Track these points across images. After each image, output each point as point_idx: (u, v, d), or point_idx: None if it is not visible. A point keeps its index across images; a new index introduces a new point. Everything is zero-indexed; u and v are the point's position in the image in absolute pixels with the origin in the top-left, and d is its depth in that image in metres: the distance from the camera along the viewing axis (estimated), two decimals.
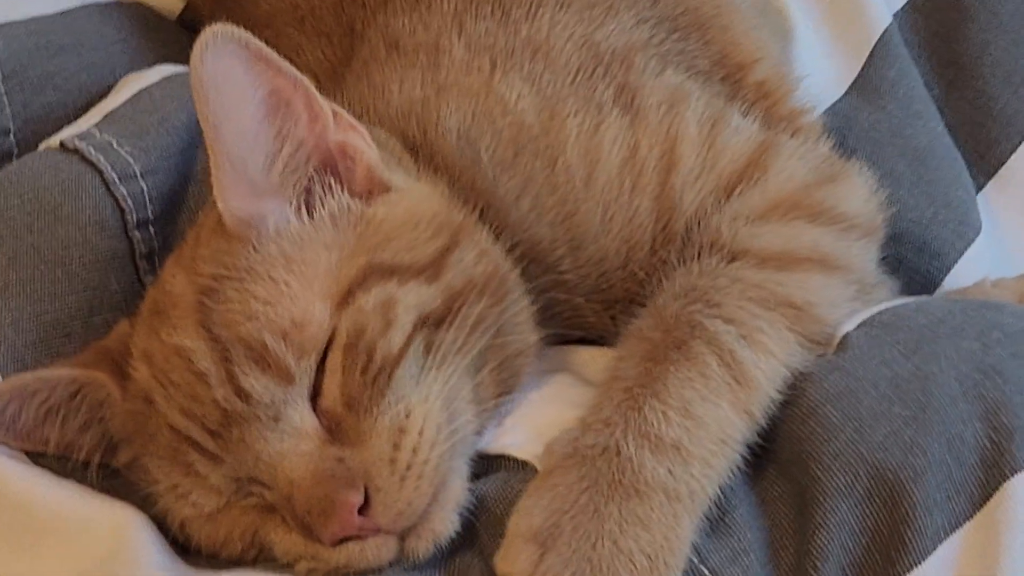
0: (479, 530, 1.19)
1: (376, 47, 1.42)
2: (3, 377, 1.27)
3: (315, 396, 1.16)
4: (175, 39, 1.69)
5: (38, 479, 1.24)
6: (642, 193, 1.30)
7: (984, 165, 1.57)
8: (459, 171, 1.31)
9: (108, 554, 1.19)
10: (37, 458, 1.28)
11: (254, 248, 1.19)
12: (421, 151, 1.33)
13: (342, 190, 1.24)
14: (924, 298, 1.34)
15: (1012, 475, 1.13)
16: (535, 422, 1.25)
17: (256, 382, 1.13)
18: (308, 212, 1.23)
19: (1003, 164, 1.56)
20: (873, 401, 1.18)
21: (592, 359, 1.32)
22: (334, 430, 1.16)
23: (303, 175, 1.23)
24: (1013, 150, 1.55)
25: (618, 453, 1.14)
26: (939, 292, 1.51)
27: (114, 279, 1.35)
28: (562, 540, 1.11)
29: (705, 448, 1.15)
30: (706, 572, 1.14)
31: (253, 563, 1.21)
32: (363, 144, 1.24)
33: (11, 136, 1.48)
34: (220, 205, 1.19)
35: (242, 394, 1.13)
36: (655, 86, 1.35)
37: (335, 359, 1.16)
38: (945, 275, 1.52)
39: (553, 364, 1.33)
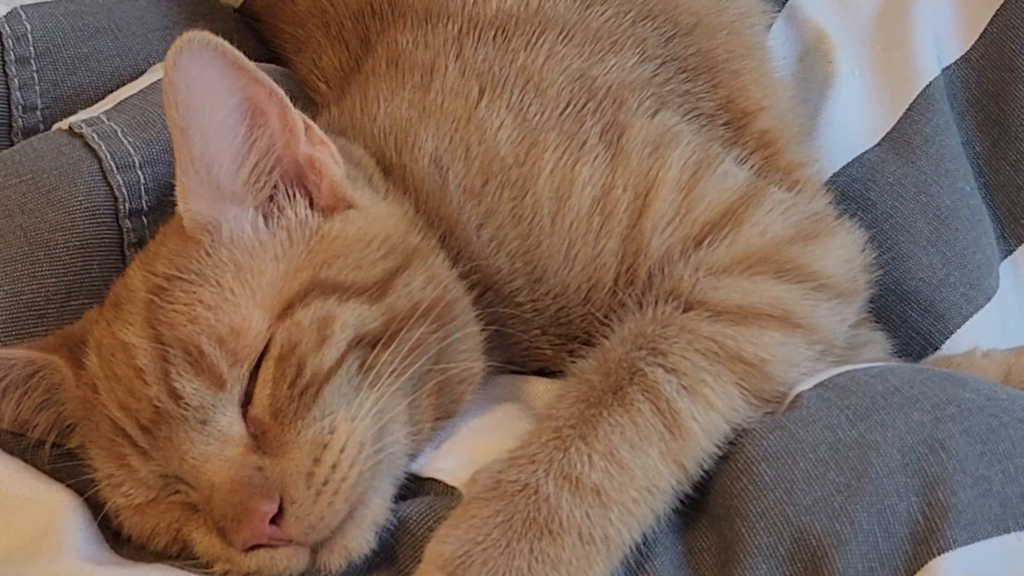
0: (398, 551, 1.21)
1: (379, 61, 1.43)
2: None
3: (246, 403, 1.18)
4: (228, 29, 1.67)
5: None
6: (609, 234, 1.31)
7: (1018, 229, 1.56)
8: (426, 194, 1.32)
9: (38, 534, 1.22)
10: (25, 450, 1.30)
11: (207, 252, 1.21)
12: (394, 171, 1.35)
13: (306, 203, 1.26)
14: (890, 364, 1.33)
15: (940, 554, 1.12)
16: (472, 449, 1.27)
17: (188, 384, 1.16)
18: (266, 222, 1.25)
19: None
20: (809, 464, 1.18)
21: (546, 391, 1.33)
22: (259, 439, 1.18)
23: (267, 184, 1.25)
24: None
25: (536, 492, 1.14)
26: (937, 355, 1.50)
27: (97, 266, 1.37)
28: (471, 571, 1.12)
29: (627, 495, 1.15)
30: None
31: (176, 558, 1.23)
32: (330, 160, 1.26)
33: (38, 112, 1.51)
34: (180, 207, 1.22)
35: (174, 395, 1.16)
36: (644, 127, 1.35)
37: (268, 369, 1.18)
38: (946, 339, 1.51)
39: (504, 392, 1.34)
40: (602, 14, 1.42)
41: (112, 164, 1.38)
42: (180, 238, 1.24)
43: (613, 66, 1.39)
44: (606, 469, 1.15)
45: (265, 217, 1.25)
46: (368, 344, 1.20)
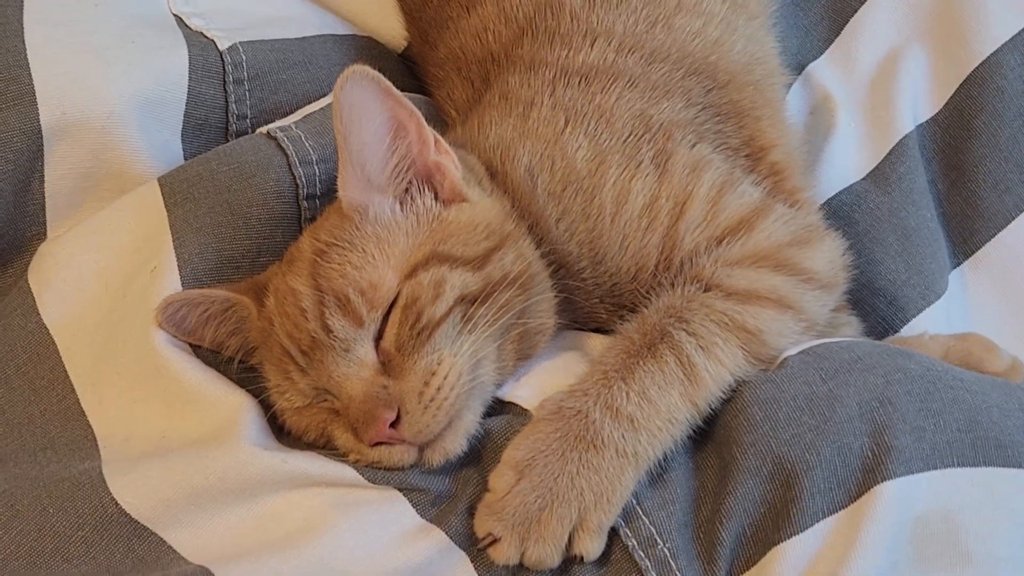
0: (483, 453, 1.29)
1: (494, 95, 1.50)
2: (183, 289, 1.37)
3: (378, 339, 1.27)
4: (392, 67, 1.77)
5: (191, 363, 1.35)
6: (654, 232, 1.37)
7: (965, 248, 1.60)
8: (520, 195, 1.39)
9: (223, 425, 1.31)
10: (196, 349, 1.38)
11: (356, 227, 1.31)
12: (498, 176, 1.42)
13: (432, 196, 1.35)
14: (857, 340, 1.39)
15: (882, 481, 1.19)
16: (542, 383, 1.34)
17: (337, 322, 1.26)
18: (401, 207, 1.33)
19: (979, 249, 1.59)
20: (789, 409, 1.25)
21: (600, 344, 1.40)
22: (386, 365, 1.27)
23: (404, 180, 1.33)
24: (988, 239, 1.58)
25: (586, 416, 1.23)
26: (895, 336, 1.56)
27: (280, 233, 1.44)
28: (534, 471, 1.21)
29: (653, 423, 1.24)
30: (640, 511, 1.23)
31: (321, 448, 1.32)
32: (452, 166, 1.34)
33: (247, 120, 1.57)
34: (340, 193, 1.32)
35: (327, 329, 1.26)
36: (685, 154, 1.41)
37: (396, 314, 1.27)
38: (904, 325, 1.56)
39: (569, 343, 1.42)
40: (660, 70, 1.48)
41: (296, 160, 1.45)
42: (338, 216, 1.33)
43: (665, 108, 1.44)
44: (639, 403, 1.24)
45: (401, 204, 1.33)
46: (469, 301, 1.28)
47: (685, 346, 1.28)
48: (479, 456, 1.30)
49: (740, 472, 1.23)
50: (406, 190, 1.35)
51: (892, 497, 1.19)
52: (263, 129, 1.52)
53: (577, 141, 1.41)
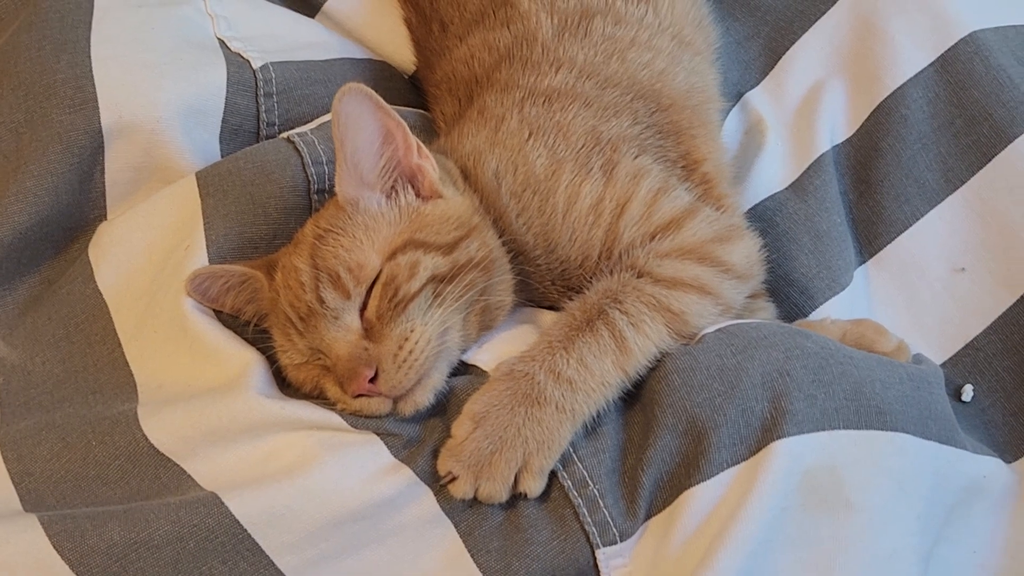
0: (448, 406, 1.30)
1: (473, 111, 1.50)
2: (210, 264, 1.38)
3: (363, 309, 1.28)
4: (400, 87, 1.78)
5: (212, 325, 1.36)
6: (598, 227, 1.37)
7: (870, 248, 1.58)
8: (488, 194, 1.39)
9: (235, 375, 1.32)
10: (218, 314, 1.39)
11: (349, 217, 1.31)
12: (471, 178, 1.41)
13: (414, 193, 1.35)
14: (764, 321, 1.39)
15: (778, 439, 1.20)
16: (500, 350, 1.34)
17: (329, 294, 1.27)
18: (387, 201, 1.34)
19: (881, 250, 1.57)
20: (703, 377, 1.25)
21: (550, 318, 1.40)
22: (368, 331, 1.28)
23: (390, 179, 1.34)
24: (889, 242, 1.57)
25: (532, 378, 1.24)
26: (803, 320, 1.54)
27: (294, 221, 1.43)
28: (488, 422, 1.22)
29: (588, 385, 1.24)
30: (575, 458, 1.24)
31: (315, 399, 1.32)
32: (431, 168, 1.34)
33: (275, 127, 1.57)
34: (337, 188, 1.32)
35: (320, 300, 1.27)
36: (628, 164, 1.41)
37: (377, 289, 1.27)
38: (812, 311, 1.54)
39: (526, 318, 1.42)
40: (612, 94, 1.47)
41: (310, 160, 1.45)
42: (335, 207, 1.33)
43: (614, 126, 1.44)
44: (577, 368, 1.24)
45: (387, 198, 1.33)
46: (439, 280, 1.29)
47: (618, 322, 1.27)
48: (445, 408, 1.30)
49: (660, 428, 1.24)
50: (392, 187, 1.35)
51: (785, 452, 1.20)
52: (284, 134, 1.52)
53: (537, 151, 1.41)
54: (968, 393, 1.49)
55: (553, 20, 1.57)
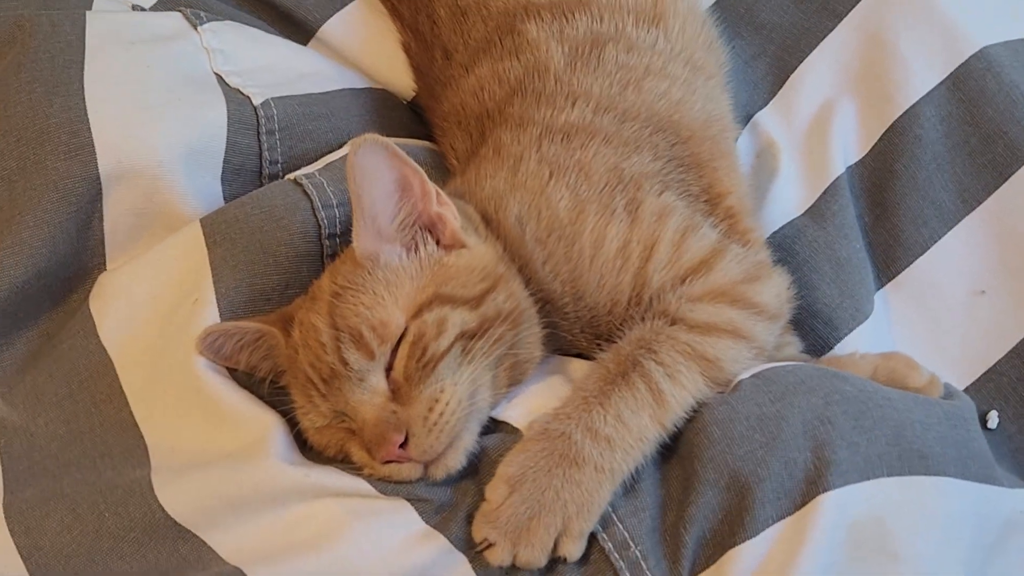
0: (480, 468, 1.21)
1: (488, 149, 1.42)
2: (220, 319, 1.30)
3: (388, 369, 1.19)
4: (401, 115, 1.70)
5: (227, 385, 1.27)
6: (626, 272, 1.29)
7: (888, 272, 1.52)
8: (511, 240, 1.31)
9: (254, 440, 1.23)
10: (233, 372, 1.30)
11: (369, 273, 1.22)
12: (492, 223, 1.33)
13: (435, 243, 1.26)
14: (800, 364, 1.31)
15: (823, 492, 1.13)
16: (531, 405, 1.26)
17: (352, 355, 1.18)
18: (407, 254, 1.25)
19: (899, 273, 1.51)
20: (743, 428, 1.18)
21: (580, 368, 1.31)
22: (395, 393, 1.19)
23: (410, 230, 1.25)
24: (907, 265, 1.51)
25: (569, 437, 1.16)
26: (830, 354, 1.48)
27: (306, 268, 1.35)
28: (525, 486, 1.14)
29: (626, 442, 1.17)
30: (615, 518, 1.16)
31: (340, 463, 1.24)
32: (451, 216, 1.25)
33: (278, 166, 1.48)
34: (354, 243, 1.23)
35: (343, 361, 1.18)
36: (653, 202, 1.33)
37: (404, 349, 1.19)
38: (837, 343, 1.48)
39: (555, 368, 1.33)
40: (631, 128, 1.40)
41: (319, 204, 1.37)
42: (352, 262, 1.24)
43: (636, 162, 1.36)
44: (615, 425, 1.16)
45: (407, 251, 1.25)
46: (468, 336, 1.21)
47: (654, 374, 1.20)
48: (476, 469, 1.22)
49: (701, 483, 1.16)
50: (412, 239, 1.26)
51: (832, 506, 1.13)
52: (291, 176, 1.43)
53: (560, 192, 1.33)
54: (994, 420, 1.44)
55: (564, 49, 1.48)
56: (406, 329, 1.20)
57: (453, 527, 1.17)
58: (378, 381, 1.19)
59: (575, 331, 1.34)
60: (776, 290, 1.35)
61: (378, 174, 1.21)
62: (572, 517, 1.13)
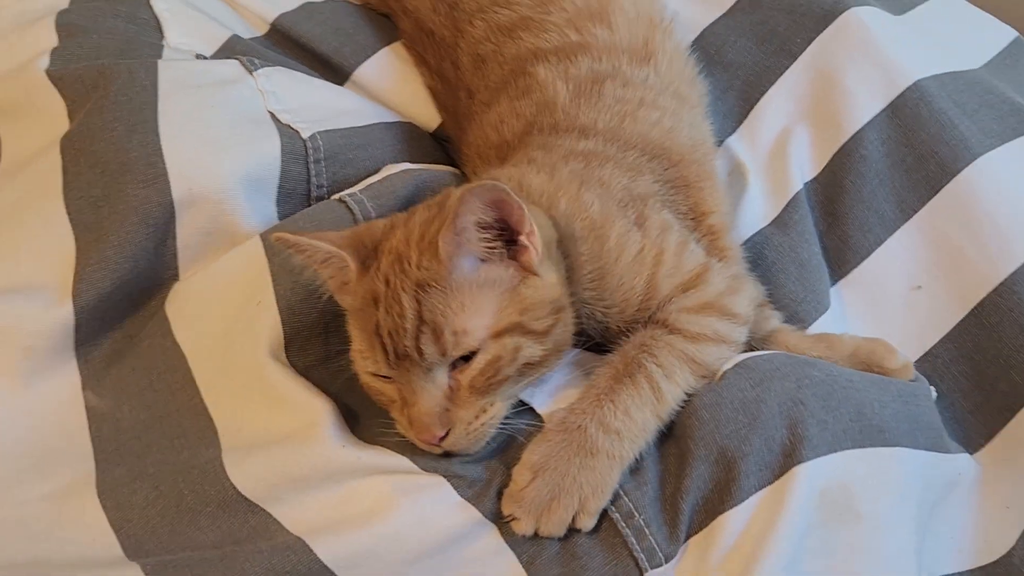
0: (508, 450, 1.18)
1: (522, 159, 1.38)
2: (280, 318, 1.26)
3: (452, 369, 1.14)
4: (427, 145, 1.65)
5: (286, 374, 1.22)
6: (640, 277, 1.25)
7: (840, 272, 1.49)
8: (564, 235, 1.25)
9: (309, 423, 1.18)
10: (291, 360, 1.26)
11: (451, 275, 1.13)
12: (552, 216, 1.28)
13: (515, 268, 1.17)
14: (775, 352, 1.28)
15: (798, 464, 1.12)
16: (554, 394, 1.23)
17: (428, 348, 1.11)
18: (490, 272, 1.16)
19: (849, 272, 1.49)
20: (728, 411, 1.15)
21: (594, 360, 1.27)
22: (453, 392, 1.14)
23: (498, 254, 1.16)
24: (855, 267, 1.48)
25: (584, 430, 1.13)
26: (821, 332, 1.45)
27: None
28: (546, 472, 1.11)
29: (632, 433, 1.14)
30: (621, 492, 1.13)
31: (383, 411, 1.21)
32: (534, 250, 1.17)
33: (324, 189, 1.43)
34: (440, 247, 1.13)
35: (419, 350, 1.11)
36: (656, 217, 1.30)
37: (480, 361, 1.13)
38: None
39: (571, 358, 1.28)
40: (632, 155, 1.36)
41: (361, 217, 1.33)
42: (435, 257, 1.14)
43: (640, 183, 1.33)
44: (623, 420, 1.13)
45: (482, 263, 1.16)
46: (529, 364, 1.16)
47: (655, 375, 1.17)
48: (505, 451, 1.18)
49: (694, 459, 1.13)
50: (498, 260, 1.17)
51: (805, 475, 1.11)
52: (336, 196, 1.39)
53: (591, 199, 1.28)
54: (932, 394, 1.38)
55: (568, 87, 1.44)
56: (482, 346, 1.13)
57: (485, 501, 1.13)
58: (443, 377, 1.14)
59: (592, 326, 1.30)
60: (748, 299, 1.32)
61: (481, 210, 1.14)
62: (588, 497, 1.10)
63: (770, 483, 1.11)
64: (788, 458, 1.12)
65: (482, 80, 1.55)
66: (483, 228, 1.14)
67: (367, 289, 1.17)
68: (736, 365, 1.21)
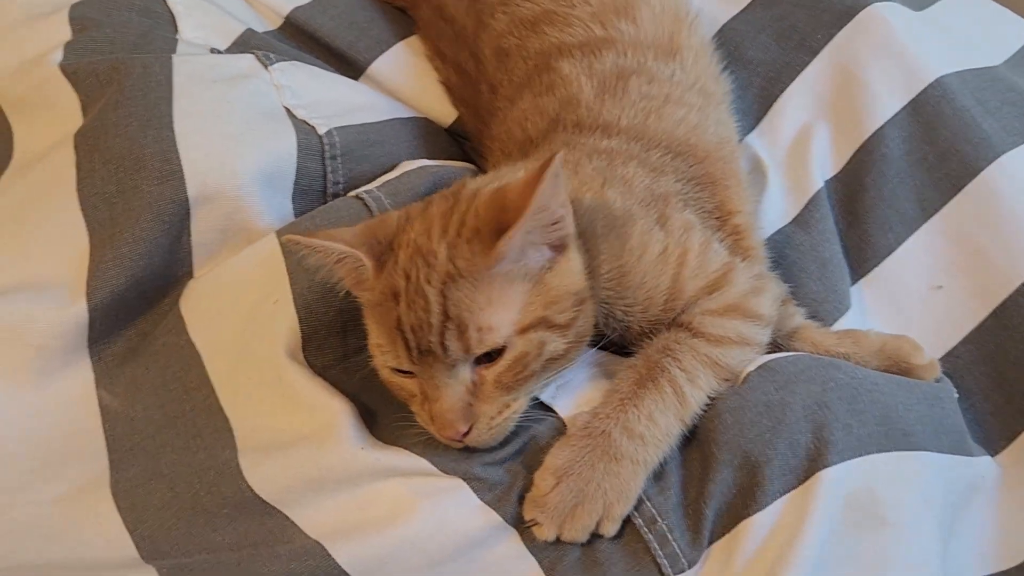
0: (528, 453, 1.16)
1: (544, 152, 1.36)
2: (297, 316, 1.24)
3: (476, 365, 1.11)
4: (443, 141, 1.63)
5: (303, 374, 1.20)
6: (665, 275, 1.22)
7: (861, 271, 1.47)
8: (584, 231, 1.21)
9: (326, 424, 1.16)
10: (308, 360, 1.24)
11: (489, 269, 1.09)
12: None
13: (548, 248, 1.14)
14: (799, 354, 1.26)
15: (823, 468, 1.09)
16: (577, 397, 1.20)
17: (453, 344, 1.08)
18: (519, 262, 1.12)
19: (870, 272, 1.46)
20: (752, 414, 1.13)
21: (613, 360, 1.26)
22: (476, 387, 1.11)
23: (537, 248, 1.13)
24: (876, 265, 1.46)
25: (609, 435, 1.11)
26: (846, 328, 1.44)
27: None
28: (571, 477, 1.09)
29: (656, 438, 1.12)
30: (644, 498, 1.11)
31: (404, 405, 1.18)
32: (570, 220, 1.14)
33: (340, 186, 1.41)
34: (503, 243, 1.08)
35: (443, 346, 1.08)
36: (679, 217, 1.27)
37: (508, 358, 1.10)
38: None
39: (593, 359, 1.26)
40: (656, 154, 1.34)
41: (377, 213, 1.30)
42: (480, 251, 1.10)
43: (663, 182, 1.31)
44: (647, 425, 1.11)
45: (530, 253, 1.13)
46: (552, 358, 1.13)
47: (678, 379, 1.15)
48: (525, 454, 1.16)
49: (717, 464, 1.11)
50: (533, 252, 1.14)
51: (830, 480, 1.09)
52: (352, 192, 1.38)
53: (613, 196, 1.26)
54: (955, 395, 1.37)
55: (593, 83, 1.42)
56: (509, 342, 1.10)
57: (506, 505, 1.11)
58: (466, 374, 1.11)
59: (612, 326, 1.27)
60: (772, 299, 1.29)
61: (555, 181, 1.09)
62: (613, 503, 1.08)
63: (795, 487, 1.09)
64: (813, 463, 1.10)
65: (505, 74, 1.53)
66: (543, 211, 1.10)
67: (385, 284, 1.14)
68: (760, 367, 1.19)
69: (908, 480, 1.14)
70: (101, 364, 1.29)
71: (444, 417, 1.10)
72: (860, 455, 1.11)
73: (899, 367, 1.30)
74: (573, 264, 1.16)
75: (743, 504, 1.09)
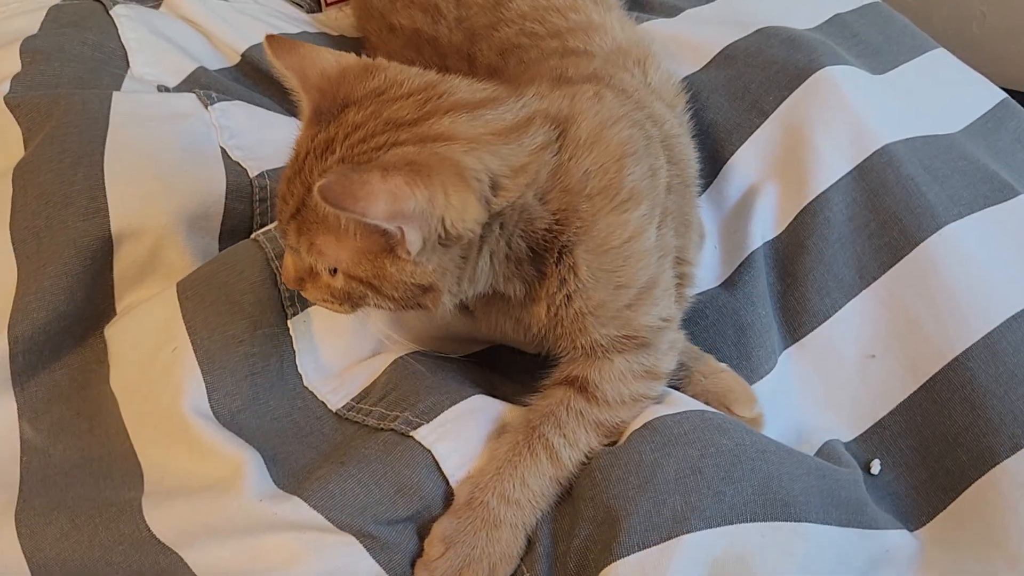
0: (423, 520, 1.28)
1: None
2: (197, 361, 1.35)
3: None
4: None
5: (209, 425, 1.32)
6: (642, 277, 1.31)
7: (794, 335, 1.56)
8: (572, 186, 1.26)
9: (230, 474, 1.28)
10: (212, 406, 1.35)
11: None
12: None
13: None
14: (689, 413, 1.33)
15: (686, 533, 1.18)
16: (471, 457, 1.31)
17: (293, 238, 1.19)
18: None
19: (804, 337, 1.56)
20: (622, 472, 1.23)
21: (514, 411, 1.37)
22: (313, 273, 1.23)
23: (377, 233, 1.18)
24: (811, 330, 1.55)
25: (487, 506, 1.24)
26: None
27: (270, 311, 1.41)
28: (456, 545, 1.22)
29: (531, 502, 1.26)
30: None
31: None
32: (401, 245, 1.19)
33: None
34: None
35: (287, 232, 1.20)
36: (669, 236, 1.38)
37: (337, 283, 1.22)
38: None
39: (495, 414, 1.37)
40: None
41: (273, 255, 1.42)
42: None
43: (668, 200, 1.40)
44: (522, 490, 1.25)
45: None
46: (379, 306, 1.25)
47: (555, 445, 1.28)
48: (418, 522, 1.28)
49: (582, 519, 1.23)
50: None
51: (692, 544, 1.18)
52: (252, 235, 1.49)
53: (638, 170, 1.31)
54: (876, 467, 1.47)
55: None
56: (338, 272, 1.20)
57: (395, 564, 1.23)
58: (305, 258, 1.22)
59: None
60: (676, 355, 1.40)
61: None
62: (497, 564, 1.22)
63: (656, 544, 1.18)
64: (678, 525, 1.18)
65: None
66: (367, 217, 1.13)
67: (300, 141, 1.20)
68: (644, 426, 1.29)
69: (785, 549, 1.21)
70: (24, 395, 1.42)
71: (287, 271, 1.23)
72: (730, 523, 1.20)
73: (722, 407, 1.41)
74: (417, 268, 1.16)
75: (603, 558, 1.19)
